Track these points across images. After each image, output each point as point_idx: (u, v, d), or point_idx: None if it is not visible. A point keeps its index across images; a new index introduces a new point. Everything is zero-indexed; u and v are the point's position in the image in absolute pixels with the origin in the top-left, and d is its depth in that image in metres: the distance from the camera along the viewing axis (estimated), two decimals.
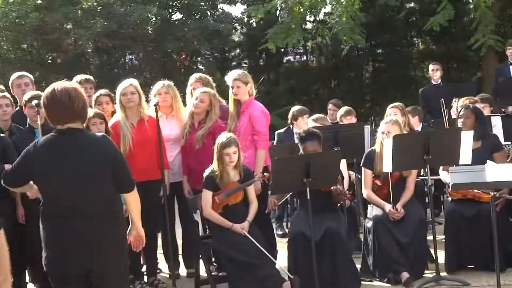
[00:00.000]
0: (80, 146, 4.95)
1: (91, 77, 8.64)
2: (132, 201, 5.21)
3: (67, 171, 4.89)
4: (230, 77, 8.11)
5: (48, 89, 5.03)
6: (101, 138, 5.10)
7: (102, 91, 8.37)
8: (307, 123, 9.36)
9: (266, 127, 8.13)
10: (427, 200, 8.30)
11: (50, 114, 5.02)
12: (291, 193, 7.81)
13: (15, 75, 8.46)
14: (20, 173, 5.03)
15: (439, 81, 12.48)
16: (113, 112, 8.18)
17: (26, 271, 8.13)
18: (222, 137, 7.43)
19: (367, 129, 9.22)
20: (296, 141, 7.68)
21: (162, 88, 8.23)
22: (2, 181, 5.09)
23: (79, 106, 4.99)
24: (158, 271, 8.47)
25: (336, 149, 8.14)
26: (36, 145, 4.98)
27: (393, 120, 7.91)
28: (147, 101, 8.15)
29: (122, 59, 21.23)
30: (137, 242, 5.37)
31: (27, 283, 8.15)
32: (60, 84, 5.04)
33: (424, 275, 7.48)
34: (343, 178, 7.81)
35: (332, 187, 7.32)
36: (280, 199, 7.40)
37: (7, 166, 7.08)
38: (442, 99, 9.44)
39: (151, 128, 7.83)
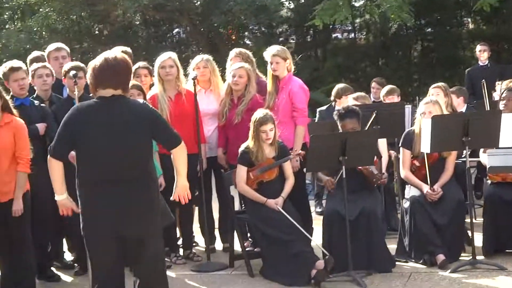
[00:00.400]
0: (120, 112, 5.03)
1: (129, 49, 8.60)
2: (181, 155, 5.25)
3: (109, 137, 4.98)
4: (268, 53, 8.05)
5: (99, 57, 5.15)
6: (140, 104, 5.26)
7: (141, 63, 8.41)
8: (348, 102, 9.26)
9: (305, 104, 8.07)
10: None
11: (95, 78, 5.10)
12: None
13: (52, 47, 8.49)
14: (65, 142, 5.05)
15: (486, 62, 12.28)
16: (151, 85, 8.20)
17: (64, 240, 8.24)
18: (258, 114, 7.39)
19: (408, 108, 9.10)
20: (335, 118, 7.61)
21: (201, 62, 8.21)
22: (51, 155, 5.06)
23: (126, 75, 5.14)
24: (194, 244, 8.53)
25: (374, 128, 8.04)
26: (77, 112, 5.04)
27: (433, 100, 7.79)
28: (186, 75, 8.16)
29: (169, 32, 21.24)
30: (183, 193, 5.41)
31: (64, 252, 8.25)
32: (110, 53, 5.20)
33: (460, 258, 7.39)
34: (380, 157, 7.74)
35: (364, 168, 7.26)
36: (335, 178, 7.30)
37: (40, 126, 7.20)
38: (483, 81, 9.27)
39: (189, 102, 7.83)
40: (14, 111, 6.79)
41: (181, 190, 5.37)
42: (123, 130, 5.00)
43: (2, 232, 6.77)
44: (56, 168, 5.04)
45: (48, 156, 5.01)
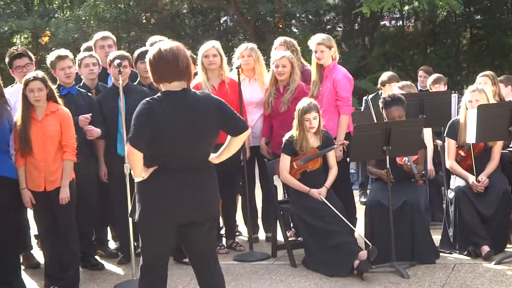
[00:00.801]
0: (191, 104, 5.04)
1: (166, 39, 8.62)
2: (240, 141, 5.27)
3: (184, 128, 4.96)
4: (313, 41, 7.99)
5: (154, 48, 5.11)
6: (206, 95, 5.24)
7: None
8: (393, 90, 9.17)
9: (349, 92, 8.00)
10: None
11: (156, 72, 5.10)
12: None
13: (98, 35, 8.56)
14: (144, 135, 4.94)
15: None
16: (195, 74, 8.20)
17: (108, 228, 8.33)
18: (302, 103, 7.37)
19: (454, 97, 8.98)
20: (380, 106, 7.54)
21: (245, 51, 8.20)
22: (133, 146, 4.90)
23: (184, 64, 5.08)
24: (237, 234, 8.54)
25: (420, 117, 7.96)
26: (152, 105, 4.99)
27: (479, 88, 7.68)
28: (232, 64, 8.16)
29: (216, 20, 21.27)
30: None
31: (108, 240, 8.33)
32: (165, 43, 5.15)
33: (505, 250, 7.30)
34: (426, 147, 7.66)
35: (404, 163, 7.20)
36: (386, 170, 7.24)
37: (81, 119, 7.25)
38: None
39: (232, 91, 7.83)
40: (59, 100, 6.88)
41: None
42: (197, 120, 5.00)
43: (48, 221, 6.88)
44: (138, 160, 4.93)
45: (128, 145, 4.93)
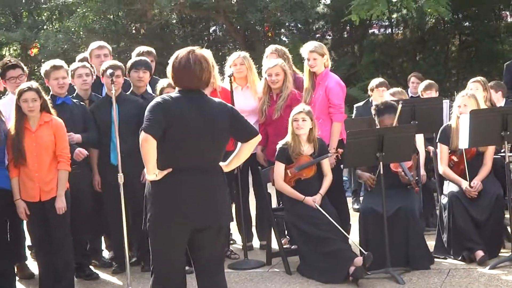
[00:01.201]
0: (206, 106, 5.03)
1: (153, 50, 8.68)
2: (251, 147, 5.27)
3: (198, 128, 4.93)
4: (305, 49, 8.03)
5: (176, 57, 5.07)
6: (220, 101, 5.24)
7: None
8: (383, 96, 9.21)
9: (342, 100, 8.03)
10: None
11: (177, 80, 5.07)
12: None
13: (94, 45, 8.55)
14: (160, 123, 4.86)
15: None
16: None
17: (102, 238, 8.31)
18: (296, 109, 7.39)
19: (446, 103, 9.03)
20: (373, 113, 7.57)
21: (238, 59, 8.22)
22: (147, 133, 4.80)
23: (206, 74, 5.08)
24: (231, 242, 8.53)
25: (412, 123, 7.98)
26: (166, 101, 4.97)
27: (470, 93, 7.72)
28: (223, 72, 8.17)
29: (206, 30, 21.28)
30: None
31: (103, 250, 8.32)
32: (186, 52, 5.07)
33: (499, 254, 7.32)
34: (418, 153, 7.69)
35: (398, 171, 7.22)
36: (375, 175, 7.27)
37: (76, 137, 7.24)
38: None
39: (224, 99, 7.76)
40: (52, 110, 6.87)
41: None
42: (210, 123, 4.98)
43: (42, 230, 6.87)
44: (152, 150, 4.80)
45: (142, 134, 4.81)
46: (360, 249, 7.01)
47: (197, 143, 4.94)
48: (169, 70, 5.11)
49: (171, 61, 5.10)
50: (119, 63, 7.80)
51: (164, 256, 5.02)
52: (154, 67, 8.47)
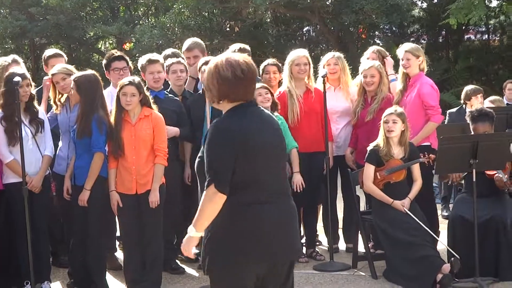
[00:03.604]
0: (267, 117, 4.37)
1: (247, 47, 8.50)
2: None
3: (272, 143, 4.28)
4: (401, 49, 7.96)
5: (224, 63, 4.18)
6: (268, 112, 4.61)
7: (270, 60, 8.44)
8: (481, 102, 9.03)
9: (437, 101, 7.90)
10: None
11: (230, 91, 4.19)
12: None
13: (184, 46, 8.57)
14: (230, 170, 4.09)
15: None
16: (280, 82, 8.21)
17: None
18: (388, 110, 7.32)
19: None
20: (467, 120, 7.42)
21: (332, 59, 8.19)
22: (219, 190, 4.06)
23: (254, 84, 4.34)
24: (317, 243, 8.51)
25: (508, 131, 7.80)
26: (232, 130, 4.12)
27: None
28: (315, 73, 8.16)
29: (299, 30, 21.28)
30: None
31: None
32: (235, 60, 4.22)
33: None
34: None
35: (495, 175, 7.05)
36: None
37: (172, 130, 7.33)
38: None
39: (317, 100, 7.83)
40: (154, 106, 6.94)
41: None
42: (277, 137, 4.36)
43: (135, 223, 6.91)
44: (217, 207, 4.10)
45: (212, 189, 4.07)
46: (448, 250, 6.89)
47: (273, 166, 4.26)
48: (218, 82, 4.18)
49: (215, 72, 4.19)
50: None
51: None
52: None
